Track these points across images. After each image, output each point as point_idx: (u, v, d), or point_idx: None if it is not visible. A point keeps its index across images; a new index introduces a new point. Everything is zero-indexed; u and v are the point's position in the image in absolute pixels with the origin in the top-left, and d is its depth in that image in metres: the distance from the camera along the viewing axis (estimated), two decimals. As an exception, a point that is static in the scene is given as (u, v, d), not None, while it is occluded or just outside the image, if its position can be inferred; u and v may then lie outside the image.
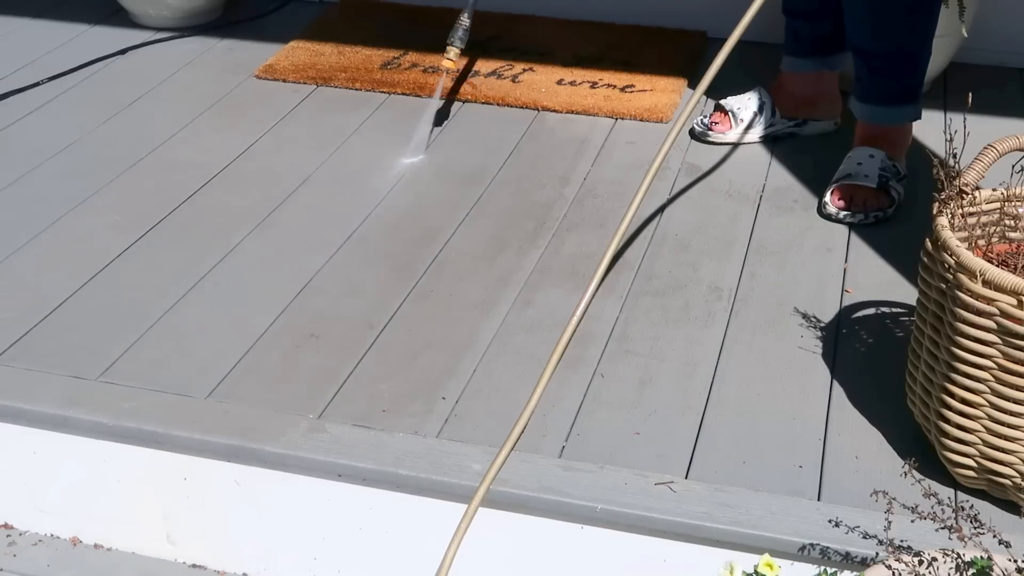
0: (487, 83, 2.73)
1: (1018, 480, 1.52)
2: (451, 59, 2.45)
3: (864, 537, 1.51)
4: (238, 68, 2.85)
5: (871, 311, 1.98)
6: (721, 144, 2.48)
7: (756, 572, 1.36)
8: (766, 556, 1.35)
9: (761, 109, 2.48)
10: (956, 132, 1.55)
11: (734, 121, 2.48)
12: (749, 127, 2.48)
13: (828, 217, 2.23)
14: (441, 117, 2.56)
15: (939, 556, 1.32)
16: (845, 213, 2.20)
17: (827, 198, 2.23)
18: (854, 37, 2.28)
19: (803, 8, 2.44)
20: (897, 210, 2.23)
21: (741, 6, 2.95)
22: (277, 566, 1.75)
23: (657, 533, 1.59)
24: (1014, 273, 1.47)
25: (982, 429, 1.52)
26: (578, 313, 1.80)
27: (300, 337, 1.92)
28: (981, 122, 1.74)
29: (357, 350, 1.88)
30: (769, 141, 2.49)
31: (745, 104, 2.50)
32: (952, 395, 1.53)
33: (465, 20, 2.45)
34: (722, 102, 2.52)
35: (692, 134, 2.52)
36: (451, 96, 2.68)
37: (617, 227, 1.85)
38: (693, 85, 2.76)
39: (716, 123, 2.49)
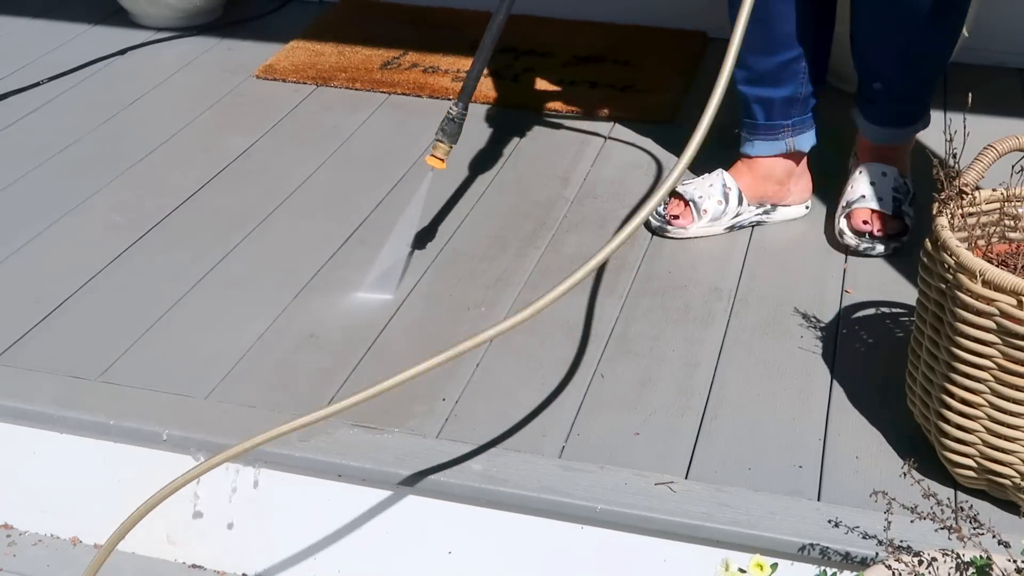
0: (487, 83, 2.73)
1: (1018, 480, 1.52)
2: (439, 157, 2.00)
3: (864, 537, 1.51)
4: (238, 68, 2.85)
5: (871, 311, 1.98)
6: (682, 239, 2.17)
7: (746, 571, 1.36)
8: (756, 556, 1.35)
9: (726, 197, 2.16)
10: (956, 132, 1.55)
11: (696, 213, 2.15)
12: (713, 219, 2.16)
13: (845, 249, 2.08)
14: (422, 238, 2.13)
15: (939, 556, 1.32)
16: (867, 246, 2.07)
17: (842, 225, 2.08)
18: (876, 65, 2.12)
19: (770, 68, 2.13)
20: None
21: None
22: (277, 566, 1.75)
23: (657, 533, 1.59)
24: (1014, 273, 1.47)
25: (982, 429, 1.52)
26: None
27: (300, 337, 1.92)
28: (981, 122, 1.74)
29: (357, 350, 1.88)
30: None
31: (707, 192, 2.16)
32: (952, 395, 1.53)
33: (455, 110, 1.99)
34: (681, 189, 2.18)
35: (648, 227, 2.19)
36: (449, 96, 2.68)
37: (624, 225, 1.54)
38: (689, 94, 2.76)
39: (676, 216, 2.16)
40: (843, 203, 2.12)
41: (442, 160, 2.00)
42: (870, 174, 2.12)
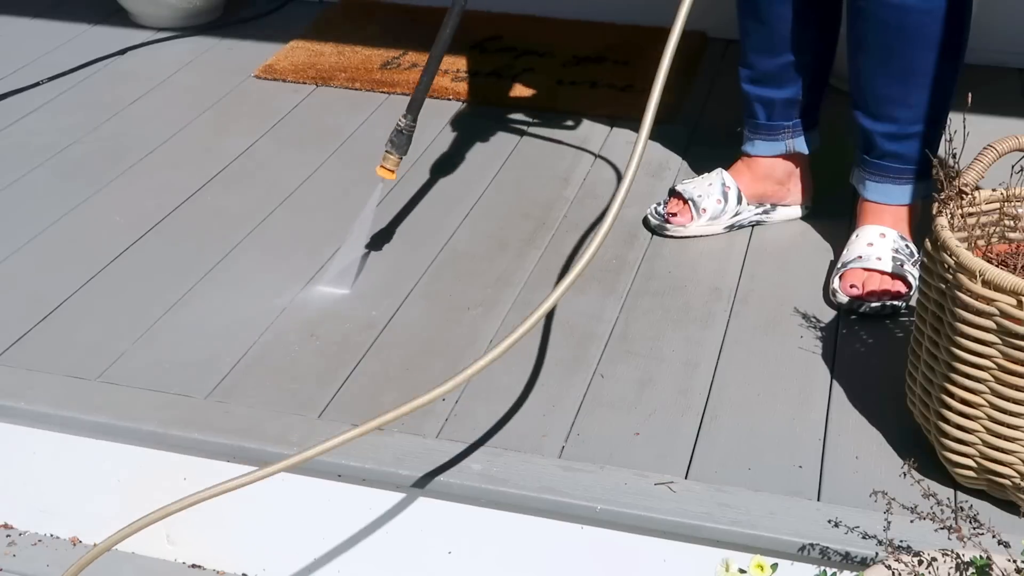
0: (487, 83, 2.73)
1: (1018, 480, 1.52)
2: (388, 168, 2.04)
3: (864, 537, 1.51)
4: (238, 68, 2.85)
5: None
6: (681, 238, 2.18)
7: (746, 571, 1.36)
8: (757, 557, 1.35)
9: (725, 196, 2.17)
10: (956, 132, 1.55)
11: (695, 211, 2.16)
12: (712, 217, 2.17)
13: (838, 308, 1.96)
14: (378, 240, 2.15)
15: (939, 556, 1.32)
16: (858, 303, 1.94)
17: (836, 284, 1.97)
18: (884, 114, 2.01)
19: (772, 69, 2.13)
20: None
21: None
22: (277, 566, 1.75)
23: (657, 533, 1.59)
24: (1014, 273, 1.47)
25: (982, 429, 1.52)
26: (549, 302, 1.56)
27: (300, 337, 1.92)
28: (981, 122, 1.74)
29: (357, 350, 1.88)
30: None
31: (707, 191, 2.17)
32: (952, 395, 1.53)
33: (404, 122, 2.06)
34: (680, 188, 2.19)
35: (647, 225, 2.20)
36: (449, 96, 2.68)
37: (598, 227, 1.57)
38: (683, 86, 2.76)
39: (674, 214, 2.17)
40: (839, 264, 2.02)
41: (392, 171, 2.04)
42: (866, 236, 2.03)
